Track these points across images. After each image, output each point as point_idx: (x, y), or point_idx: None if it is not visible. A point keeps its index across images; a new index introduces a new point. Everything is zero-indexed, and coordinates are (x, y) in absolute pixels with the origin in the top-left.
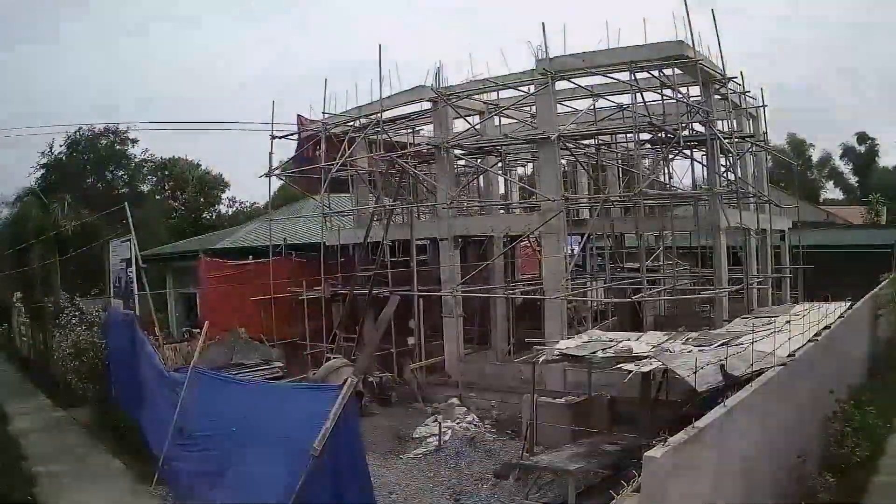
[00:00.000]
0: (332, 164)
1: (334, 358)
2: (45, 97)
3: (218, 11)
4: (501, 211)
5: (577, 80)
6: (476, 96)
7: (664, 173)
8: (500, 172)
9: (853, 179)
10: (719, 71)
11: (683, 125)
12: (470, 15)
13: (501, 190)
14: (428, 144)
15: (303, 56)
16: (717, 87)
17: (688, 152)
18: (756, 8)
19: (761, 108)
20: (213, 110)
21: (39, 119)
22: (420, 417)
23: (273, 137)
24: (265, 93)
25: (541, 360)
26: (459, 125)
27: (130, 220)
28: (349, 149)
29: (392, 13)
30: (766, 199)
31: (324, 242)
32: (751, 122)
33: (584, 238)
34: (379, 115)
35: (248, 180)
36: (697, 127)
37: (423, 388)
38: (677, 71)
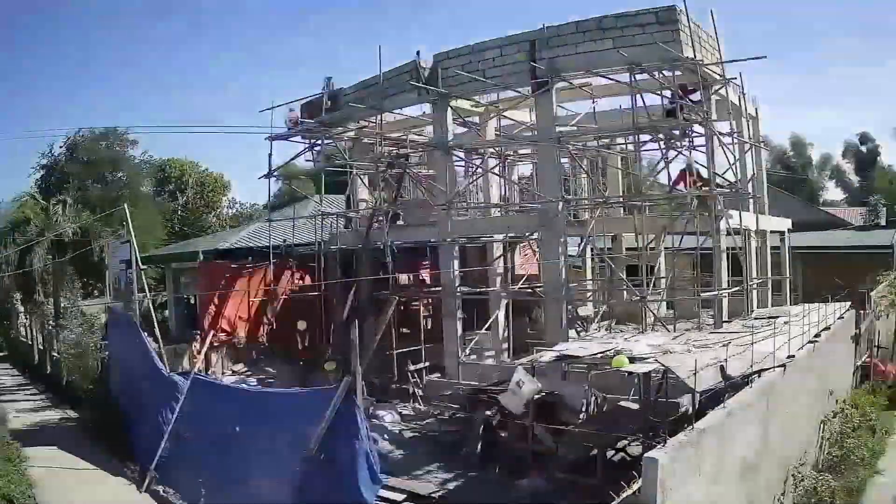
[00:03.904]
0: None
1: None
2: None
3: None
4: (500, 212)
5: (577, 81)
6: (476, 97)
7: (665, 173)
8: (499, 174)
9: (855, 179)
10: (718, 72)
11: (683, 126)
12: (469, 15)
13: (501, 191)
14: (428, 145)
15: (303, 58)
16: (717, 87)
17: (687, 153)
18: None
19: (760, 109)
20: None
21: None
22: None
23: (272, 139)
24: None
25: (539, 360)
26: (459, 126)
27: (129, 222)
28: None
29: (392, 14)
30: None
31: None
32: (750, 123)
33: (584, 239)
34: (378, 115)
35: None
36: (697, 128)
37: (424, 390)
38: (677, 72)
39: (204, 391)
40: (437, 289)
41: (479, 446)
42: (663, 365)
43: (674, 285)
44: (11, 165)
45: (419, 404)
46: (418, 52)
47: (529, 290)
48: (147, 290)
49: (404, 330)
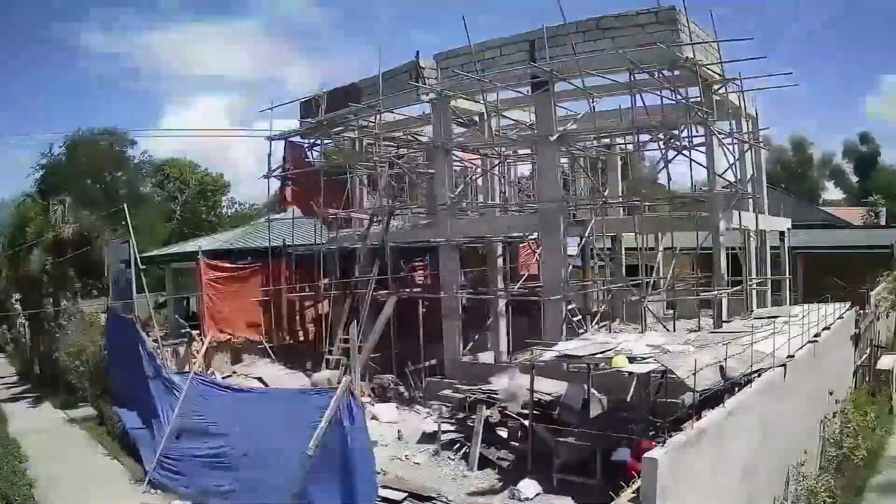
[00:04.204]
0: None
1: (333, 359)
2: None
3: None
4: (500, 212)
5: (577, 81)
6: (476, 97)
7: (665, 173)
8: (499, 174)
9: (854, 179)
10: (718, 72)
11: (682, 126)
12: (468, 14)
13: (501, 191)
14: (427, 146)
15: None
16: (717, 87)
17: (687, 153)
18: None
19: (760, 109)
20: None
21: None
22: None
23: (271, 139)
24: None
25: (539, 360)
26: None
27: (129, 221)
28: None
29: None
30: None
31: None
32: (749, 122)
33: (583, 239)
34: (378, 115)
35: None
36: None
37: (424, 389)
38: (677, 72)
39: (203, 391)
40: (436, 291)
41: (478, 446)
42: (663, 364)
43: (674, 285)
44: (10, 165)
45: (419, 404)
46: (418, 53)
47: (529, 290)
48: (146, 290)
49: (404, 329)
